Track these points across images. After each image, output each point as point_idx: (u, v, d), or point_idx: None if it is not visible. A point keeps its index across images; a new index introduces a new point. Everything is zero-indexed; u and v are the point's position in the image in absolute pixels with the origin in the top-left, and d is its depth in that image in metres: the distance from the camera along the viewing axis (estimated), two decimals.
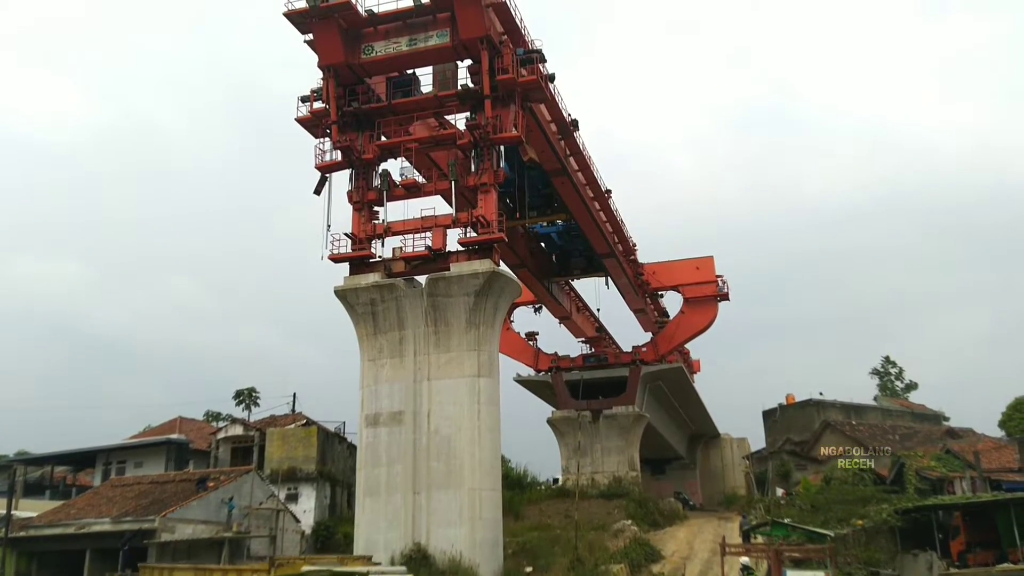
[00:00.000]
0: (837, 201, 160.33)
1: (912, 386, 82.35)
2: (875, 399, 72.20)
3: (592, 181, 42.88)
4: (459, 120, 33.68)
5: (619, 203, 47.84)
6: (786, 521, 29.99)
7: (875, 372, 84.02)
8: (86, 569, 32.27)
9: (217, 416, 68.58)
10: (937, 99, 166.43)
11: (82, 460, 48.98)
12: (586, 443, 52.47)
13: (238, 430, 45.43)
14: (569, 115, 38.03)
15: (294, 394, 54.77)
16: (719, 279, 54.95)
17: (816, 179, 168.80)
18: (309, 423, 44.89)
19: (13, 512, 33.89)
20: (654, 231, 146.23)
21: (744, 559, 25.06)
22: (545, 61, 33.37)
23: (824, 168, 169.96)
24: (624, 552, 31.81)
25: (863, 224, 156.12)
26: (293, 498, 39.67)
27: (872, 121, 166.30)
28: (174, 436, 47.70)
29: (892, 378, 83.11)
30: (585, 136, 39.77)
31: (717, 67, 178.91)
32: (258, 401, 68.96)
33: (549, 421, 55.66)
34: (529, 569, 30.44)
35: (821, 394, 63.13)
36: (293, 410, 52.49)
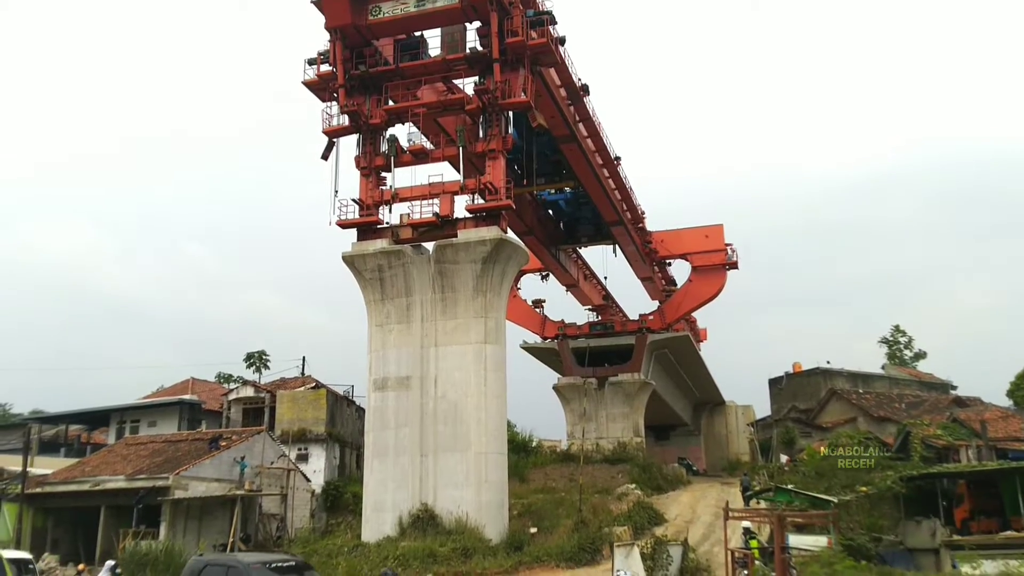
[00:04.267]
0: (848, 171, 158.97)
1: (921, 355, 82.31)
2: (883, 368, 72.24)
3: (601, 148, 42.66)
4: (467, 84, 33.46)
5: (628, 170, 47.73)
6: (789, 487, 30.28)
7: (884, 341, 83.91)
8: (101, 525, 32.99)
9: (228, 378, 69.31)
10: (950, 70, 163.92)
11: (96, 419, 49.74)
12: (591, 409, 52.87)
13: (249, 392, 46.04)
14: (579, 80, 37.76)
15: (303, 358, 55.43)
16: (728, 247, 54.81)
17: (827, 148, 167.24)
18: (318, 386, 45.44)
19: (29, 469, 34.55)
20: (663, 199, 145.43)
21: (746, 523, 25.34)
22: (556, 23, 33.02)
23: (835, 138, 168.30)
24: (628, 515, 32.21)
25: (874, 194, 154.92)
26: (303, 458, 40.31)
27: (884, 91, 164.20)
28: (187, 396, 48.37)
29: (901, 347, 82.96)
30: (595, 101, 39.56)
31: (727, 39, 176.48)
32: (268, 364, 69.72)
33: (555, 388, 56.05)
34: (534, 530, 30.91)
35: (828, 363, 63.35)
36: (303, 373, 53.10)
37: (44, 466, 39.20)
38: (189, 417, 45.54)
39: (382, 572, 21.85)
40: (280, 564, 17.35)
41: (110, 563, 20.69)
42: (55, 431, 52.33)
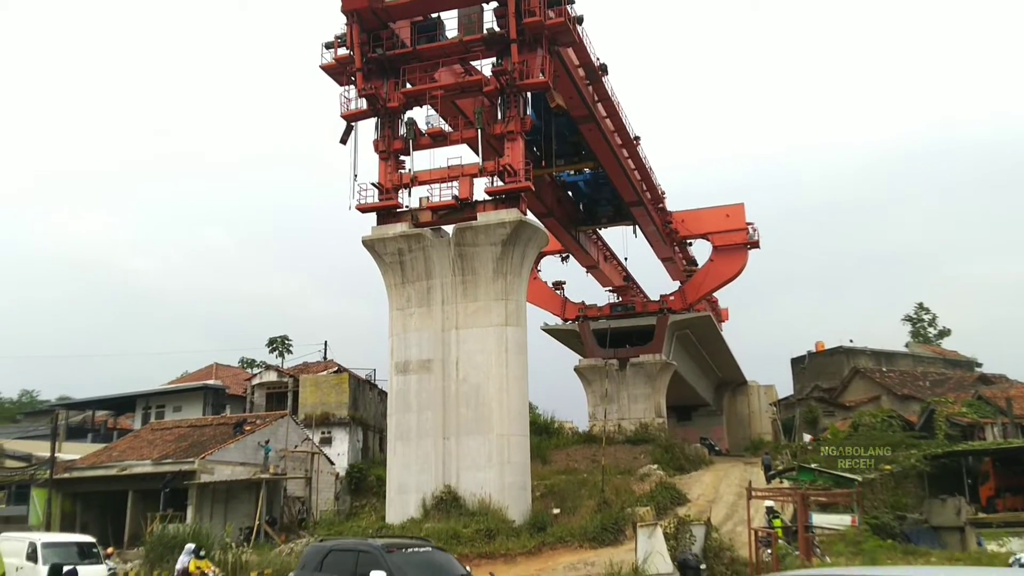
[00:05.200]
0: (873, 149, 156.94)
1: (945, 332, 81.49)
2: (906, 346, 71.65)
3: (620, 128, 42.35)
4: (485, 66, 33.34)
5: (647, 151, 47.37)
6: (812, 466, 30.18)
7: (908, 319, 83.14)
8: (129, 509, 33.51)
9: (251, 363, 69.98)
10: (981, 46, 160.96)
11: (122, 405, 50.43)
12: (613, 390, 52.82)
13: (272, 376, 46.45)
14: (598, 59, 37.45)
15: (325, 342, 55.72)
16: (749, 226, 54.35)
17: (853, 126, 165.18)
18: (341, 370, 45.76)
19: (57, 454, 35.10)
20: (682, 181, 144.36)
21: (769, 502, 25.28)
22: (573, 2, 32.71)
23: (860, 115, 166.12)
24: (650, 495, 32.25)
25: (899, 172, 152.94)
26: (327, 441, 40.67)
27: (914, 69, 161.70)
28: (211, 382, 48.93)
29: (925, 325, 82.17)
30: (613, 81, 39.24)
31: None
32: (291, 349, 70.27)
33: (576, 369, 56.03)
34: (556, 511, 31.01)
35: (851, 341, 62.89)
36: (325, 357, 53.47)
37: (72, 451, 39.83)
38: (213, 402, 46.07)
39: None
40: (416, 548, 15.78)
41: (190, 546, 20.52)
42: (82, 417, 53.16)
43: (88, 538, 24.49)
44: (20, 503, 36.24)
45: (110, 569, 22.74)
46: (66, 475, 35.25)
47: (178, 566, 19.61)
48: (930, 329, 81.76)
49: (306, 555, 16.65)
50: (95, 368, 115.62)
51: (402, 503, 30.92)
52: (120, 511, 33.96)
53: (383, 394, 42.31)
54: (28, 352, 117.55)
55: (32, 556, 21.78)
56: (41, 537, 23.54)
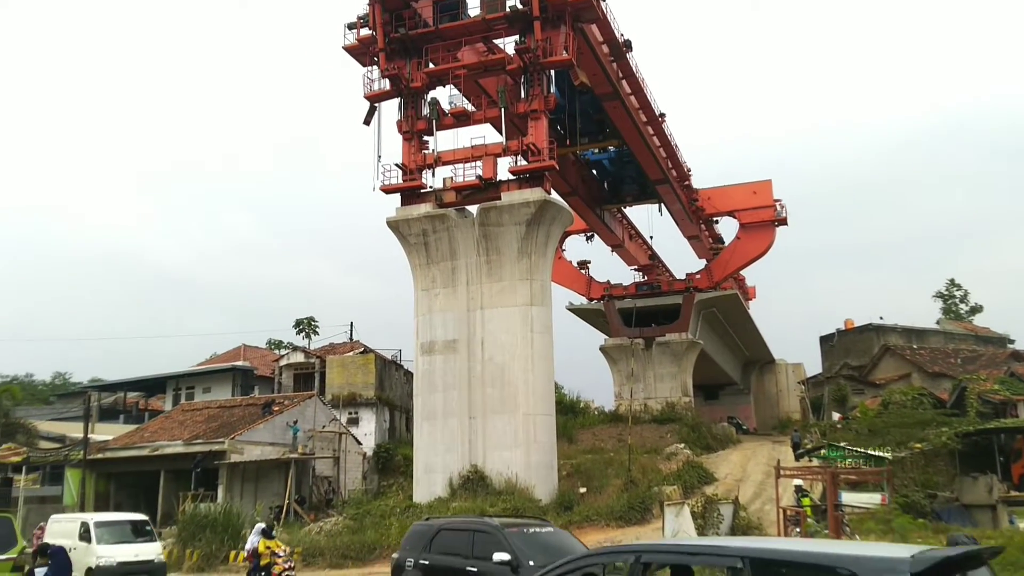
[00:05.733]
0: (900, 125, 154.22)
1: (977, 309, 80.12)
2: (937, 323, 70.61)
3: (645, 105, 41.90)
4: (508, 44, 33.06)
5: (673, 128, 46.88)
6: (841, 445, 29.91)
7: (939, 295, 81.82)
8: (161, 489, 34.03)
9: (279, 344, 70.48)
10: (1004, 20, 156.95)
11: (153, 386, 51.18)
12: (639, 370, 52.67)
13: (299, 357, 46.84)
14: (622, 35, 37.01)
15: (351, 323, 56.13)
16: (777, 203, 53.68)
17: (880, 101, 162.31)
18: (367, 351, 45.99)
19: (90, 435, 35.69)
20: (707, 159, 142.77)
21: (798, 481, 25.11)
22: None
23: (888, 90, 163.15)
24: (677, 474, 32.17)
25: (928, 147, 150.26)
26: (354, 422, 41.00)
27: (948, 45, 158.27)
28: (239, 363, 49.41)
29: (956, 301, 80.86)
30: (637, 57, 38.78)
31: None
32: (317, 330, 70.60)
33: (602, 349, 55.93)
34: (583, 490, 31.05)
35: (881, 318, 62.10)
36: (351, 338, 53.77)
37: (104, 432, 40.50)
38: (242, 383, 46.58)
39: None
40: (536, 528, 14.27)
41: (260, 525, 20.38)
42: (113, 398, 54.01)
43: (141, 516, 24.49)
44: (55, 483, 36.92)
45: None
46: (99, 456, 35.84)
47: (248, 546, 19.52)
48: (962, 305, 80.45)
49: (410, 535, 15.24)
50: (125, 351, 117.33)
51: (429, 482, 31.11)
52: (152, 491, 34.50)
53: (409, 375, 42.52)
54: (60, 335, 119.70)
55: (85, 536, 21.65)
56: (94, 517, 23.41)
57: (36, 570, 14.39)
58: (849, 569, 4.80)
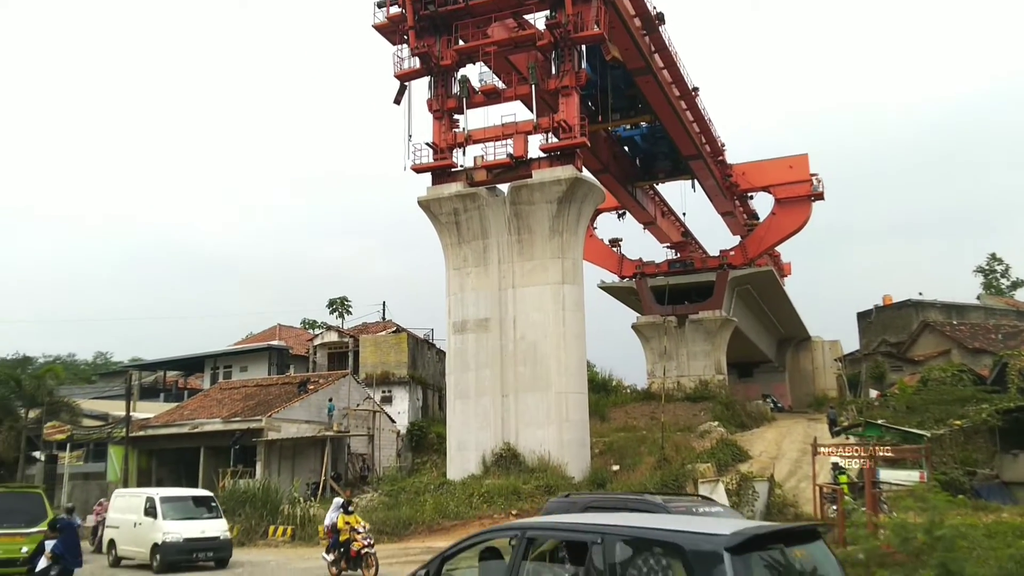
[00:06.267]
0: (943, 96, 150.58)
1: (1019, 284, 78.46)
2: (978, 298, 69.28)
3: (678, 79, 41.29)
4: (538, 19, 32.74)
5: (706, 102, 46.21)
6: (879, 422, 29.56)
7: (980, 270, 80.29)
8: (201, 465, 34.73)
9: (313, 324, 71.35)
10: None
11: (191, 365, 52.08)
12: (671, 348, 52.37)
13: (333, 337, 47.38)
14: (654, 8, 36.48)
15: (384, 302, 56.56)
16: (813, 178, 52.74)
17: (922, 73, 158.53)
18: (399, 330, 46.36)
19: (132, 413, 36.47)
20: (743, 135, 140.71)
21: (835, 458, 24.86)
22: None
23: (930, 62, 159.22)
24: (711, 452, 31.99)
25: (970, 119, 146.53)
26: (387, 400, 41.41)
27: (987, 19, 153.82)
28: (275, 342, 50.12)
29: (997, 276, 79.27)
30: (670, 30, 38.21)
31: None
32: (350, 309, 71.38)
33: (634, 327, 55.65)
34: (616, 467, 31.08)
35: (920, 294, 61.09)
36: (383, 318, 54.22)
37: (145, 411, 41.37)
38: (277, 362, 47.23)
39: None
40: (705, 509, 12.57)
41: (338, 500, 20.23)
42: (153, 377, 55.11)
43: (206, 492, 24.38)
44: (99, 460, 37.85)
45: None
46: (141, 433, 36.65)
47: (327, 521, 19.55)
48: (1003, 280, 78.86)
49: (554, 511, 13.43)
50: (163, 330, 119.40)
51: (462, 460, 31.35)
52: (193, 467, 35.23)
53: (441, 353, 42.77)
54: (101, 315, 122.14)
55: (151, 511, 21.32)
56: (160, 492, 23.08)
57: (46, 542, 14.43)
58: (675, 543, 5.56)
